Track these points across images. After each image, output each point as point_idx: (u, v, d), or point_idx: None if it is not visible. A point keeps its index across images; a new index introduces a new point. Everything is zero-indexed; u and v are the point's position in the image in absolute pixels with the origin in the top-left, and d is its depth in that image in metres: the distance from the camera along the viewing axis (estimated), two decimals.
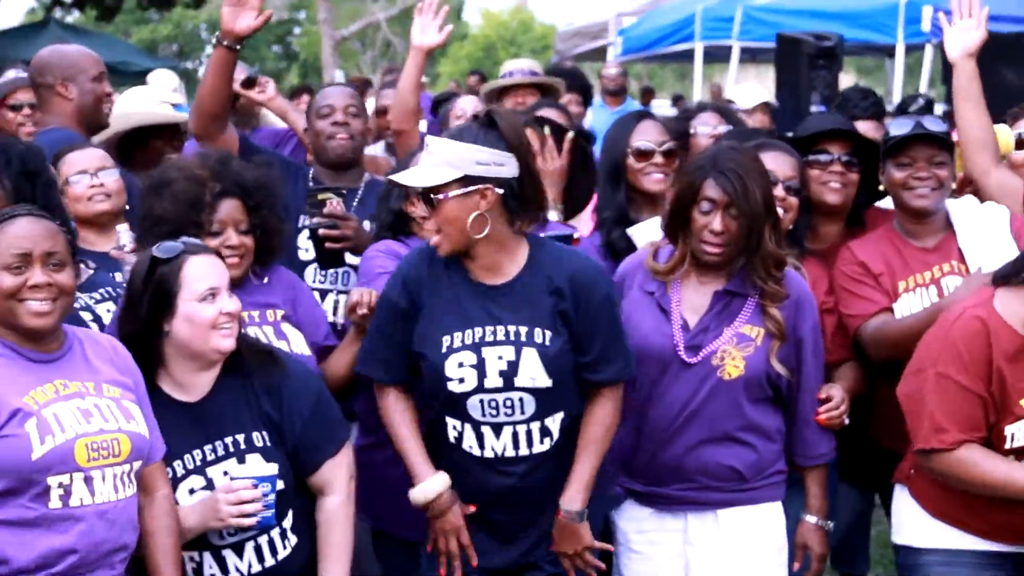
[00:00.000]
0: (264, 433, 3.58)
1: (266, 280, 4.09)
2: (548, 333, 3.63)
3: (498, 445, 3.69)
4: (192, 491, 3.55)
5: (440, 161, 3.56)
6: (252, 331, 3.91)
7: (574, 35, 18.12)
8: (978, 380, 3.56)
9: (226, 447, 3.56)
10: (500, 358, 3.62)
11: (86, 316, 4.00)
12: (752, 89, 7.94)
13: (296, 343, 4.00)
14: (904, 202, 4.21)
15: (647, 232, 4.29)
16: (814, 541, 3.99)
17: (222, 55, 4.61)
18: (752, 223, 3.76)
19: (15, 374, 3.25)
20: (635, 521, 3.97)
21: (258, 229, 3.98)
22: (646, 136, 4.72)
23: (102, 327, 3.98)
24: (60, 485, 3.20)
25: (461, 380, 3.64)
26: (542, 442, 3.69)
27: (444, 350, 3.64)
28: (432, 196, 3.57)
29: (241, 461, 3.54)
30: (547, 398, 3.66)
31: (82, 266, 4.10)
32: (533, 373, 3.63)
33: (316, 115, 4.91)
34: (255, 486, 3.47)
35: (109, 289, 4.13)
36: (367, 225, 4.69)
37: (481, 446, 3.69)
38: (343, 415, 3.80)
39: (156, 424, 3.48)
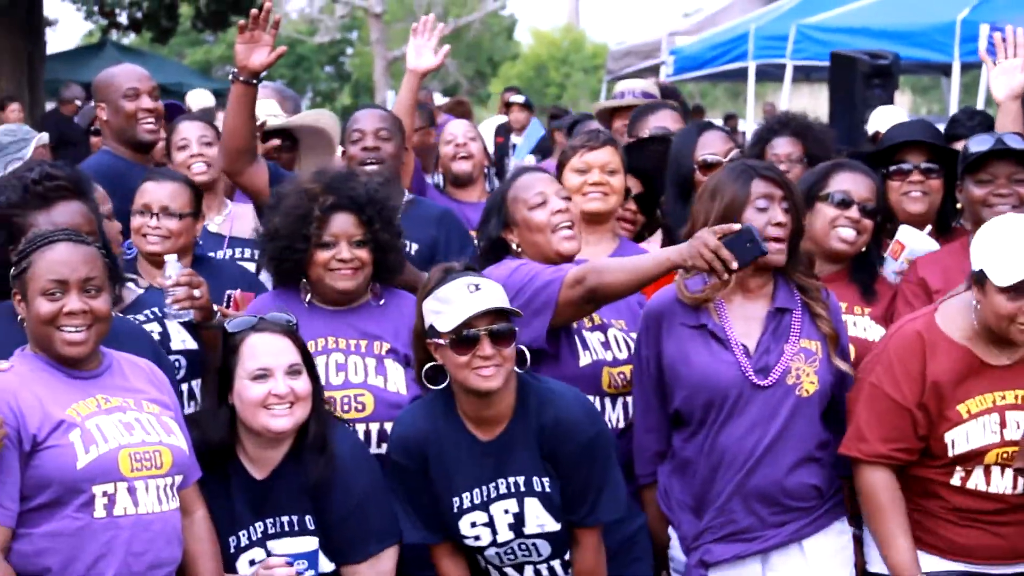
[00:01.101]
0: (315, 518, 3.61)
1: (382, 302, 4.05)
2: (546, 480, 3.65)
3: None
4: (252, 562, 3.60)
5: (501, 297, 3.56)
6: (353, 361, 3.93)
7: (626, 54, 18.08)
8: (909, 393, 3.64)
9: (282, 525, 3.60)
10: (507, 511, 3.64)
11: None
12: (894, 112, 7.77)
13: (394, 381, 3.95)
14: (983, 220, 4.08)
15: None
16: (855, 550, 3.96)
17: (240, 90, 4.61)
18: (799, 215, 3.81)
19: (57, 389, 3.30)
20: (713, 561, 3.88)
21: (373, 243, 3.96)
22: (710, 148, 4.71)
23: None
24: (104, 494, 3.24)
25: (476, 538, 3.67)
26: (566, 573, 3.76)
27: (455, 511, 3.65)
28: (513, 328, 3.55)
29: None
30: (560, 538, 3.70)
31: (132, 285, 4.14)
32: (540, 520, 3.65)
33: (348, 140, 4.88)
34: (290, 564, 3.50)
35: (155, 310, 4.12)
36: (408, 245, 4.65)
37: None
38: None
39: (193, 447, 3.52)
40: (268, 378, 3.52)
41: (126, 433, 3.30)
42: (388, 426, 3.86)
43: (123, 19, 21.75)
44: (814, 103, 18.23)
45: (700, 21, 18.44)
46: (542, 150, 10.65)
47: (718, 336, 3.80)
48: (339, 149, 5.48)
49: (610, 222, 4.58)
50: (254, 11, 4.59)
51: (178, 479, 3.41)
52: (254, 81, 4.63)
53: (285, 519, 3.60)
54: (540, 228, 4.02)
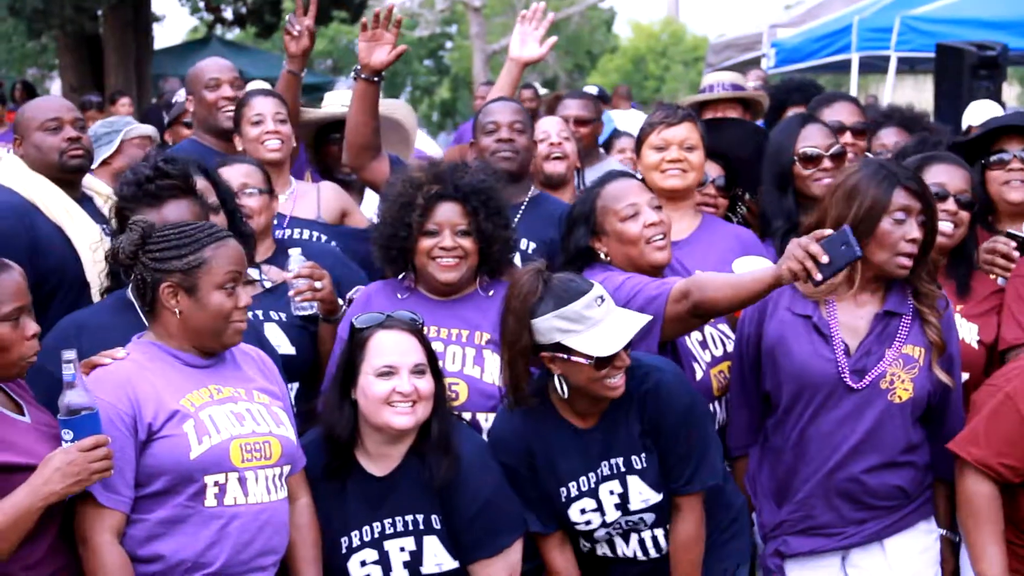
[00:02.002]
0: (441, 517, 3.62)
1: (491, 294, 4.07)
2: (643, 455, 3.66)
3: (628, 550, 3.78)
4: (364, 563, 3.61)
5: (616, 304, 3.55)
6: (452, 350, 3.96)
7: (726, 47, 17.90)
8: None
9: (405, 524, 3.61)
10: (612, 492, 3.67)
11: None
12: (988, 107, 7.63)
13: (491, 372, 3.97)
14: None
15: None
16: (947, 554, 3.94)
17: (362, 87, 4.71)
18: (933, 228, 3.77)
19: (173, 379, 3.37)
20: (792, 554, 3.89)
21: (477, 233, 3.98)
22: (812, 141, 4.66)
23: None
24: (216, 484, 3.31)
25: (587, 523, 3.69)
26: (673, 541, 3.76)
27: (564, 499, 3.68)
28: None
29: (419, 541, 3.61)
30: (664, 507, 3.71)
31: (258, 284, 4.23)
32: (644, 496, 3.67)
33: (481, 131, 4.83)
34: None
35: (256, 313, 4.15)
36: (525, 243, 4.63)
37: (613, 552, 3.79)
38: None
39: (321, 439, 3.59)
40: (393, 375, 3.54)
41: (237, 424, 3.36)
42: (480, 416, 3.91)
43: (228, 14, 22.12)
44: (918, 95, 17.92)
45: (801, 13, 18.15)
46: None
47: (821, 330, 3.77)
48: (415, 141, 5.52)
49: (691, 198, 4.56)
50: (377, 9, 4.72)
51: (286, 469, 3.47)
52: (376, 79, 4.70)
53: (409, 517, 3.61)
54: (633, 241, 4.01)
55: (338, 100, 5.78)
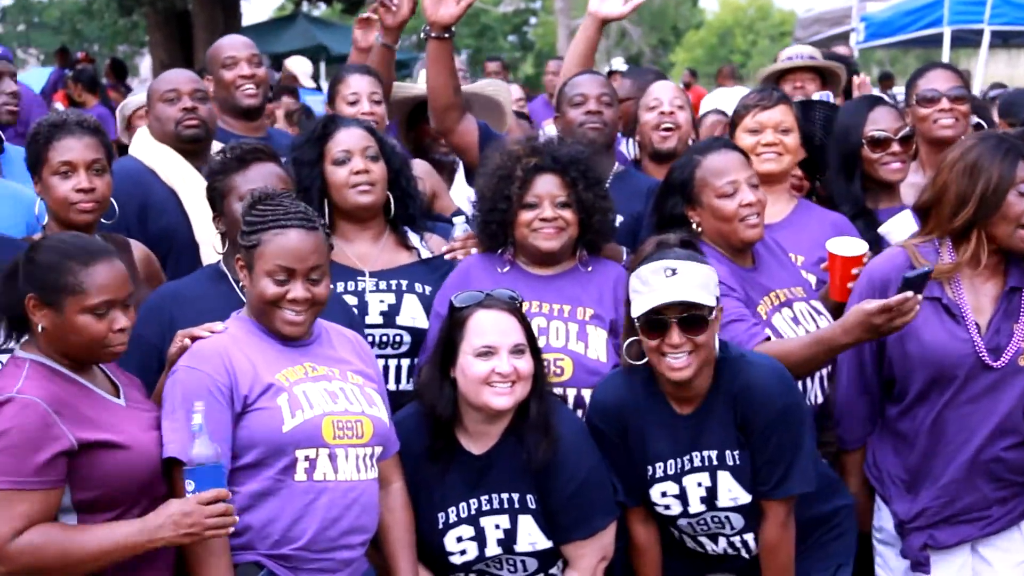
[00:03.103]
0: (536, 497, 3.63)
1: (590, 269, 4.08)
2: (737, 452, 3.62)
3: (717, 548, 3.76)
4: (460, 539, 3.63)
5: (697, 284, 3.52)
6: (555, 326, 3.95)
7: (814, 21, 17.67)
8: None
9: (501, 502, 3.63)
10: (699, 484, 3.63)
11: None
12: None
13: (595, 347, 3.96)
14: None
15: (901, 229, 4.14)
16: None
17: (434, 47, 4.64)
18: None
19: (269, 354, 3.40)
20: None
21: (577, 204, 3.97)
22: (881, 124, 4.59)
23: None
24: (307, 459, 3.31)
25: (667, 507, 3.68)
26: (759, 544, 3.72)
27: (648, 479, 3.66)
28: (705, 317, 3.52)
29: (513, 519, 3.62)
30: (753, 510, 3.67)
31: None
32: (733, 494, 3.64)
33: (568, 103, 4.76)
34: None
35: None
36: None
37: (702, 548, 3.76)
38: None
39: (421, 416, 3.61)
40: (492, 356, 3.55)
41: (330, 401, 3.37)
42: (586, 392, 3.88)
43: None
44: (1011, 71, 17.55)
45: None
46: None
47: (952, 311, 3.73)
48: (509, 122, 5.47)
49: (785, 181, 4.52)
50: None
51: (378, 450, 3.47)
52: (447, 35, 4.65)
53: (504, 496, 3.63)
54: (727, 218, 3.97)
55: None
